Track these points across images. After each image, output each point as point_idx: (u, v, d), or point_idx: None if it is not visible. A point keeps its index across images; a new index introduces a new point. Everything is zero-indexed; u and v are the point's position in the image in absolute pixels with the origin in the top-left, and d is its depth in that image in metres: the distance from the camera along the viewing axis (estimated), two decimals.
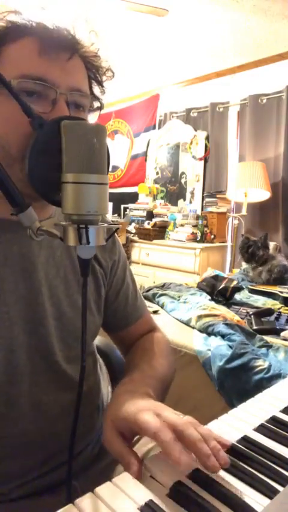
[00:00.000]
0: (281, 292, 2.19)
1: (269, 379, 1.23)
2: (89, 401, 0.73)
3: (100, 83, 0.63)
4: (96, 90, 0.64)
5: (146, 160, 4.52)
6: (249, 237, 2.70)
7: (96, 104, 0.64)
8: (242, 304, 2.05)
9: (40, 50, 0.53)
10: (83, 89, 0.58)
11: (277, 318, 1.80)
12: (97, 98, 0.64)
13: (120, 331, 0.79)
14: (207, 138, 3.91)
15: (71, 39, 0.56)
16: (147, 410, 0.47)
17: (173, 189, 4.31)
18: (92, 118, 0.64)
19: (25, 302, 0.60)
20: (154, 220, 4.04)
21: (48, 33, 0.54)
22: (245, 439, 0.50)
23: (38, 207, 0.50)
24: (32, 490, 0.63)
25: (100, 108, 0.65)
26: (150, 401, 0.51)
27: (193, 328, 1.66)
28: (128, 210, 4.50)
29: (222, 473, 0.44)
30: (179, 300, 2.01)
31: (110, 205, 4.61)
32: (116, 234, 0.77)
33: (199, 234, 3.64)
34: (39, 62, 0.53)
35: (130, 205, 4.48)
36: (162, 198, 4.39)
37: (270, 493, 0.41)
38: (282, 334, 1.57)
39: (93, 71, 0.61)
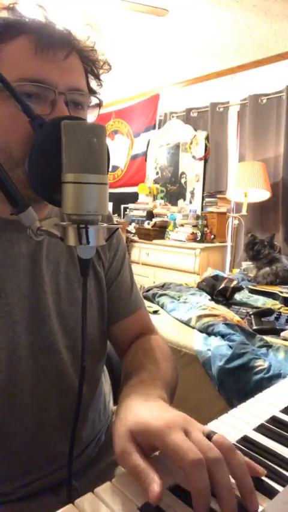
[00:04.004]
0: (281, 292, 2.19)
1: (269, 379, 1.23)
2: (92, 405, 0.72)
3: (97, 77, 0.62)
4: (94, 84, 0.62)
5: (146, 160, 4.52)
6: (256, 235, 2.73)
7: (95, 101, 0.62)
8: (242, 304, 2.05)
9: (36, 49, 0.51)
10: (81, 87, 0.57)
11: (277, 318, 1.80)
12: (95, 94, 0.62)
13: (111, 326, 0.74)
14: (207, 138, 3.91)
15: (67, 36, 0.55)
16: (176, 428, 0.40)
17: (173, 189, 4.31)
18: (92, 116, 0.62)
19: (28, 301, 0.60)
20: (154, 220, 4.04)
21: (43, 30, 0.53)
22: (245, 439, 0.50)
23: (37, 208, 0.50)
24: (34, 491, 0.63)
25: (99, 105, 0.62)
26: (174, 413, 0.44)
27: (193, 328, 1.66)
28: (128, 210, 4.50)
29: None
30: (179, 300, 2.01)
31: (110, 205, 4.61)
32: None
33: (199, 234, 3.64)
34: (35, 62, 0.51)
35: (130, 205, 4.48)
36: (162, 198, 4.39)
37: (270, 493, 0.41)
38: (282, 334, 1.58)
39: (90, 65, 0.60)
